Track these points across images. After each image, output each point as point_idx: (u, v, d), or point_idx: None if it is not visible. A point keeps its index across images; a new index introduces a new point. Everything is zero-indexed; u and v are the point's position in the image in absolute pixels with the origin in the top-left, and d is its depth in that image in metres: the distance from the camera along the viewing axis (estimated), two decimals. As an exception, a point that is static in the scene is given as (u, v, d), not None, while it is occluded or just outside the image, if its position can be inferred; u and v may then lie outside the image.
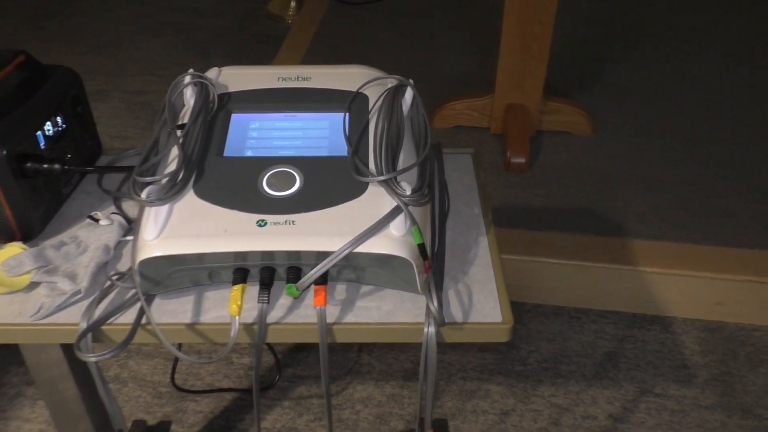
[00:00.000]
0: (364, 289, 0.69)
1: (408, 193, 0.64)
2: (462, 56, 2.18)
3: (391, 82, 0.78)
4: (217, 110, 0.74)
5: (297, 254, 0.63)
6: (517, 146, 1.70)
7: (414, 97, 0.75)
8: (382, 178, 0.65)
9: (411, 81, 0.76)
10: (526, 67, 1.70)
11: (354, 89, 0.76)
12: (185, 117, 0.73)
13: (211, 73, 0.78)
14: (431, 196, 0.69)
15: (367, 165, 0.68)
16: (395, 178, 0.65)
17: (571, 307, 1.45)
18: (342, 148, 0.71)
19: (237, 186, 0.66)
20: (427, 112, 0.76)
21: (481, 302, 0.68)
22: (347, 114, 0.74)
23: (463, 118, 1.83)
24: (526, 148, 1.70)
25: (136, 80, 2.27)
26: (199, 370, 1.31)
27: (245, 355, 1.34)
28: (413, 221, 0.63)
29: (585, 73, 2.10)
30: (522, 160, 1.69)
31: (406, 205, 0.64)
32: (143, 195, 0.64)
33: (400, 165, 0.68)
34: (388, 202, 0.64)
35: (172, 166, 0.67)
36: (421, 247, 0.63)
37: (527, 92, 1.74)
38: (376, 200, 0.65)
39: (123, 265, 0.72)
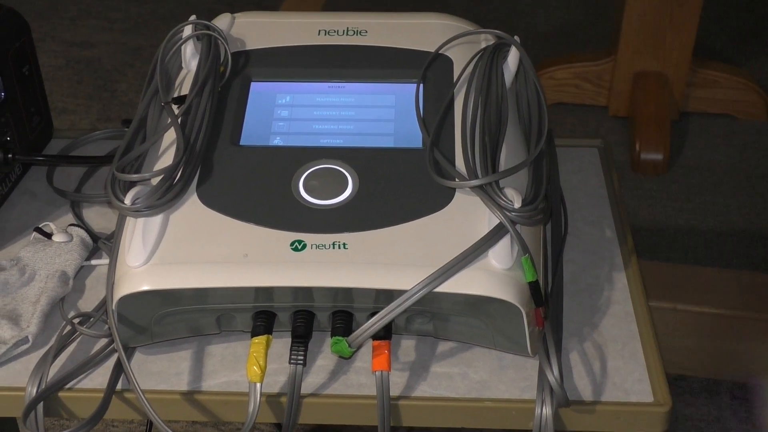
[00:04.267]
0: (444, 346, 0.69)
1: (517, 205, 0.64)
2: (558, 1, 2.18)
3: (487, 39, 0.78)
4: (231, 77, 0.75)
5: (348, 293, 0.64)
6: (650, 136, 1.70)
7: (521, 62, 0.76)
8: (477, 182, 0.65)
9: (516, 38, 0.77)
10: (666, 16, 1.70)
11: (431, 49, 0.77)
12: (184, 87, 0.75)
13: (221, 22, 0.80)
14: (549, 208, 0.69)
15: (453, 162, 0.68)
16: (497, 182, 0.66)
17: (734, 382, 1.44)
18: (415, 137, 0.72)
19: (261, 189, 0.67)
20: (536, 72, 0.77)
21: (619, 371, 0.68)
22: (422, 85, 0.75)
23: (567, 91, 1.83)
24: (666, 139, 1.70)
25: (77, 26, 2.32)
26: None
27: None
28: (524, 248, 0.64)
29: (758, 27, 2.08)
30: (659, 157, 1.69)
31: (514, 223, 0.64)
32: (128, 200, 0.65)
33: (503, 164, 0.68)
34: (486, 219, 0.65)
35: (166, 159, 0.69)
36: (534, 287, 0.64)
37: (667, 54, 1.74)
38: (468, 215, 0.66)
39: (87, 303, 0.73)
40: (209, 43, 0.75)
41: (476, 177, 0.66)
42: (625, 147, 1.76)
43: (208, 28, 0.76)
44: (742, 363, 1.44)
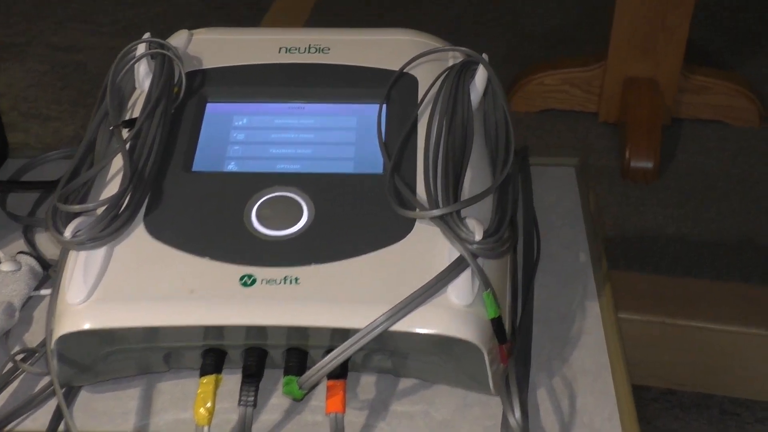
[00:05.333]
0: (406, 383, 0.66)
1: (478, 237, 0.61)
2: (555, 1, 2.15)
3: (454, 57, 0.75)
4: (185, 98, 0.72)
5: (301, 331, 0.61)
6: (641, 143, 1.67)
7: (489, 82, 0.72)
8: (436, 213, 0.62)
9: (485, 56, 0.73)
10: (658, 19, 1.66)
11: (396, 67, 0.74)
12: (136, 109, 0.71)
13: (177, 39, 0.77)
14: (514, 238, 0.66)
15: (414, 190, 0.65)
16: (458, 212, 0.62)
17: (725, 397, 1.41)
18: (376, 161, 0.68)
19: (212, 219, 0.64)
20: (504, 92, 0.73)
21: (588, 409, 0.64)
22: (385, 106, 0.71)
23: (557, 97, 1.80)
24: (656, 146, 1.66)
25: (64, 29, 2.29)
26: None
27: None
28: (486, 283, 0.60)
29: (751, 31, 2.05)
30: (649, 165, 1.66)
31: (475, 256, 0.61)
32: (68, 232, 0.62)
33: (466, 192, 0.65)
34: (447, 252, 0.62)
35: (113, 187, 0.65)
36: (497, 324, 0.60)
37: (659, 59, 1.71)
38: (428, 247, 0.62)
39: (35, 336, 0.70)
40: (162, 62, 0.72)
41: (437, 206, 0.63)
42: (615, 154, 1.72)
43: (162, 47, 0.72)
44: (733, 377, 1.41)
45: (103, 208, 0.63)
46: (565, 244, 0.78)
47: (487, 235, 0.62)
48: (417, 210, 0.63)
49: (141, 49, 0.72)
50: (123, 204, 0.64)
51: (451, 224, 0.61)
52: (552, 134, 1.77)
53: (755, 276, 1.47)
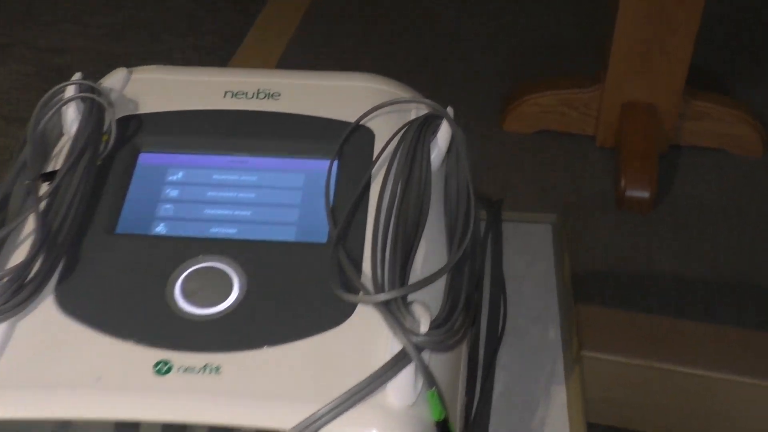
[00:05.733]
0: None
1: (424, 328, 0.54)
2: (555, 15, 2.07)
3: (417, 109, 0.68)
4: (115, 147, 0.65)
5: (221, 430, 0.54)
6: (637, 170, 1.59)
7: (453, 140, 0.65)
8: (380, 297, 0.55)
9: (449, 109, 0.66)
10: (657, 43, 1.58)
11: (352, 118, 0.67)
12: (61, 157, 0.64)
13: (114, 79, 0.70)
14: (470, 321, 0.59)
15: (359, 265, 0.58)
16: (403, 298, 0.55)
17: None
18: (321, 228, 0.61)
19: (130, 292, 0.57)
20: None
21: None
22: (336, 163, 0.64)
23: (552, 118, 1.72)
24: (653, 174, 1.59)
25: (51, 31, 2.21)
26: None
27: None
28: (430, 381, 0.53)
29: (754, 55, 1.97)
30: (645, 195, 1.58)
31: (420, 349, 0.54)
32: (-38, 306, 0.55)
33: (418, 270, 0.58)
34: (389, 342, 0.55)
35: (20, 253, 0.58)
36: (442, 427, 0.53)
37: (659, 83, 1.63)
38: (368, 336, 0.55)
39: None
40: (91, 107, 0.65)
41: (382, 288, 0.55)
42: (609, 181, 1.65)
43: (92, 90, 0.65)
44: (727, 425, 1.34)
45: (7, 278, 0.56)
46: (535, 315, 0.71)
47: (435, 324, 0.54)
48: (360, 294, 0.56)
49: (70, 91, 0.65)
50: (29, 273, 0.56)
51: (394, 311, 0.54)
52: (546, 156, 1.70)
53: (749, 319, 1.40)
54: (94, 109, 0.65)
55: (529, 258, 0.76)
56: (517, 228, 0.79)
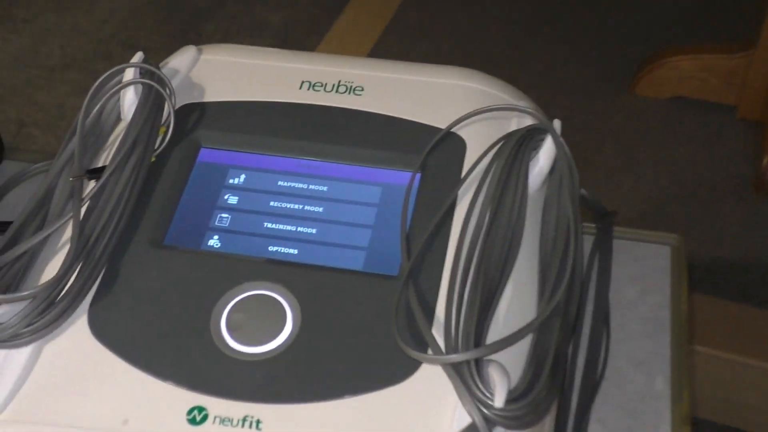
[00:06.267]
0: None
1: (499, 402, 0.45)
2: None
3: (518, 119, 0.58)
4: (173, 140, 0.58)
5: (253, 497, 0.47)
6: (782, 150, 1.44)
7: (558, 160, 0.55)
8: (450, 359, 0.46)
9: (556, 123, 0.56)
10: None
11: (442, 123, 0.58)
12: (112, 154, 0.57)
13: (181, 59, 0.62)
14: (558, 388, 0.50)
15: (431, 309, 0.50)
16: (476, 362, 0.46)
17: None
18: (393, 258, 0.53)
19: (171, 320, 0.50)
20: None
21: None
22: (419, 177, 0.56)
23: (690, 85, 1.58)
24: (800, 156, 1.44)
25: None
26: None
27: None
28: (501, 466, 0.45)
29: None
30: (788, 177, 1.44)
31: (492, 424, 0.45)
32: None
33: (500, 319, 0.49)
34: (456, 412, 0.46)
35: (56, 263, 0.52)
36: None
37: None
38: (432, 400, 0.47)
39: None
40: (149, 94, 0.57)
41: (454, 348, 0.47)
42: (748, 159, 1.50)
43: (151, 75, 0.58)
44: None
45: (38, 293, 0.50)
46: (641, 359, 0.61)
47: (513, 396, 0.46)
48: (428, 352, 0.47)
49: (129, 74, 0.58)
50: (61, 290, 0.50)
51: (465, 376, 0.46)
52: (682, 126, 1.56)
53: None
54: (152, 96, 0.57)
55: (641, 287, 0.65)
56: (630, 248, 0.68)
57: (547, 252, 0.53)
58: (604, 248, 0.66)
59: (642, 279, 0.66)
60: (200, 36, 1.93)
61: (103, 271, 0.52)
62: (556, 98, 1.60)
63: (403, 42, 1.79)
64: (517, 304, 0.51)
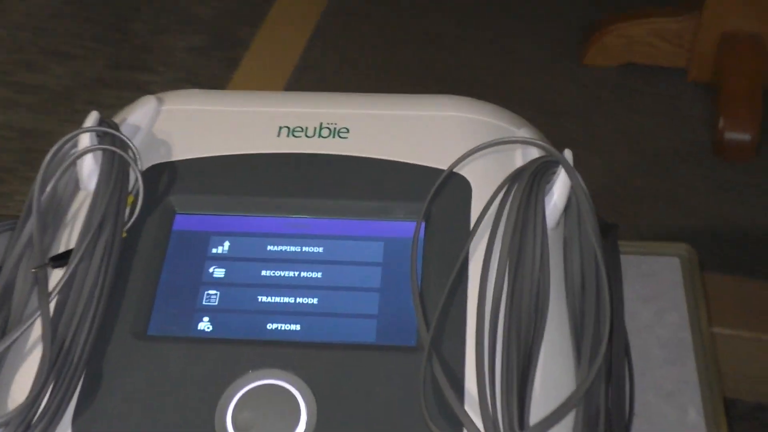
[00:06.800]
0: None
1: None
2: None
3: (522, 150, 0.53)
4: (144, 210, 0.51)
5: None
6: (738, 111, 1.42)
7: (574, 196, 0.50)
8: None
9: (567, 153, 0.51)
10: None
11: (441, 162, 0.52)
12: (78, 222, 0.51)
13: (140, 113, 0.55)
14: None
15: (460, 384, 0.44)
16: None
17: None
18: (407, 324, 0.48)
19: (167, 422, 0.44)
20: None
21: None
22: (423, 226, 0.50)
23: (640, 50, 1.54)
24: (756, 116, 1.42)
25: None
26: None
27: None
28: None
29: None
30: (746, 138, 1.41)
31: None
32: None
33: (538, 388, 0.44)
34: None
35: (26, 373, 0.46)
36: None
37: (765, 10, 1.43)
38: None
39: None
40: (111, 161, 0.51)
41: (495, 426, 0.42)
42: (704, 123, 1.47)
43: (113, 140, 0.51)
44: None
45: (9, 418, 0.43)
46: (667, 390, 0.57)
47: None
48: (464, 433, 0.42)
49: (85, 140, 0.51)
50: (38, 408, 0.44)
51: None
52: (635, 95, 1.52)
53: None
54: (115, 163, 0.51)
55: (656, 307, 0.61)
56: (635, 263, 0.64)
57: (575, 298, 0.48)
58: (613, 269, 0.61)
59: (656, 298, 0.62)
60: (126, 36, 1.83)
61: (83, 375, 0.46)
62: (510, 77, 1.55)
63: (343, 25, 1.72)
64: (553, 365, 0.46)
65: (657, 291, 0.63)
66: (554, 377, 0.45)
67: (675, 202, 1.37)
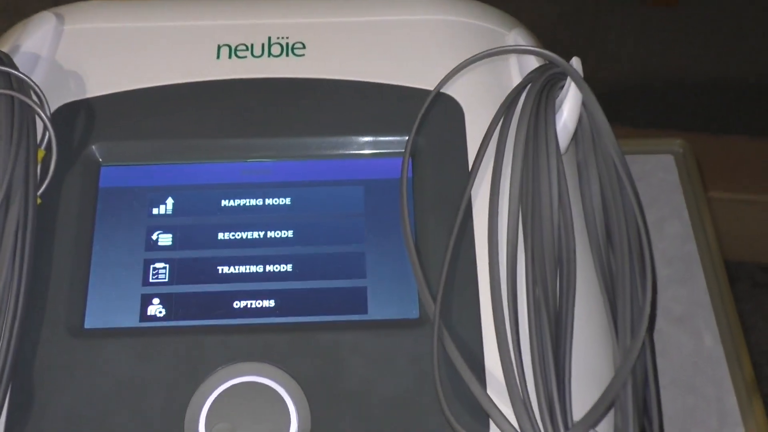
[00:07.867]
0: None
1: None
2: None
3: (519, 60, 0.43)
4: (61, 165, 0.40)
5: None
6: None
7: (586, 113, 0.41)
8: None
9: (575, 61, 0.42)
10: None
11: (426, 82, 0.42)
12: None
13: (37, 37, 0.43)
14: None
15: (480, 363, 0.37)
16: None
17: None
18: (405, 293, 0.39)
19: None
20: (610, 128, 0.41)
21: None
22: (410, 164, 0.41)
23: None
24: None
25: None
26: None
27: None
28: None
29: None
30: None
31: None
32: None
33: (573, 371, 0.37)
34: None
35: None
36: None
37: None
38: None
39: None
40: (9, 110, 0.39)
41: (536, 428, 0.34)
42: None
43: (8, 80, 0.40)
44: None
45: None
46: (677, 315, 0.51)
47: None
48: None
49: (-30, 81, 0.40)
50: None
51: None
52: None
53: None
54: (16, 110, 0.39)
55: (654, 216, 0.54)
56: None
57: (599, 239, 0.40)
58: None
59: (653, 204, 0.55)
60: None
61: (10, 388, 0.36)
62: None
63: None
64: (587, 331, 0.38)
65: (653, 196, 0.55)
66: (585, 350, 0.38)
67: (605, 52, 1.31)
